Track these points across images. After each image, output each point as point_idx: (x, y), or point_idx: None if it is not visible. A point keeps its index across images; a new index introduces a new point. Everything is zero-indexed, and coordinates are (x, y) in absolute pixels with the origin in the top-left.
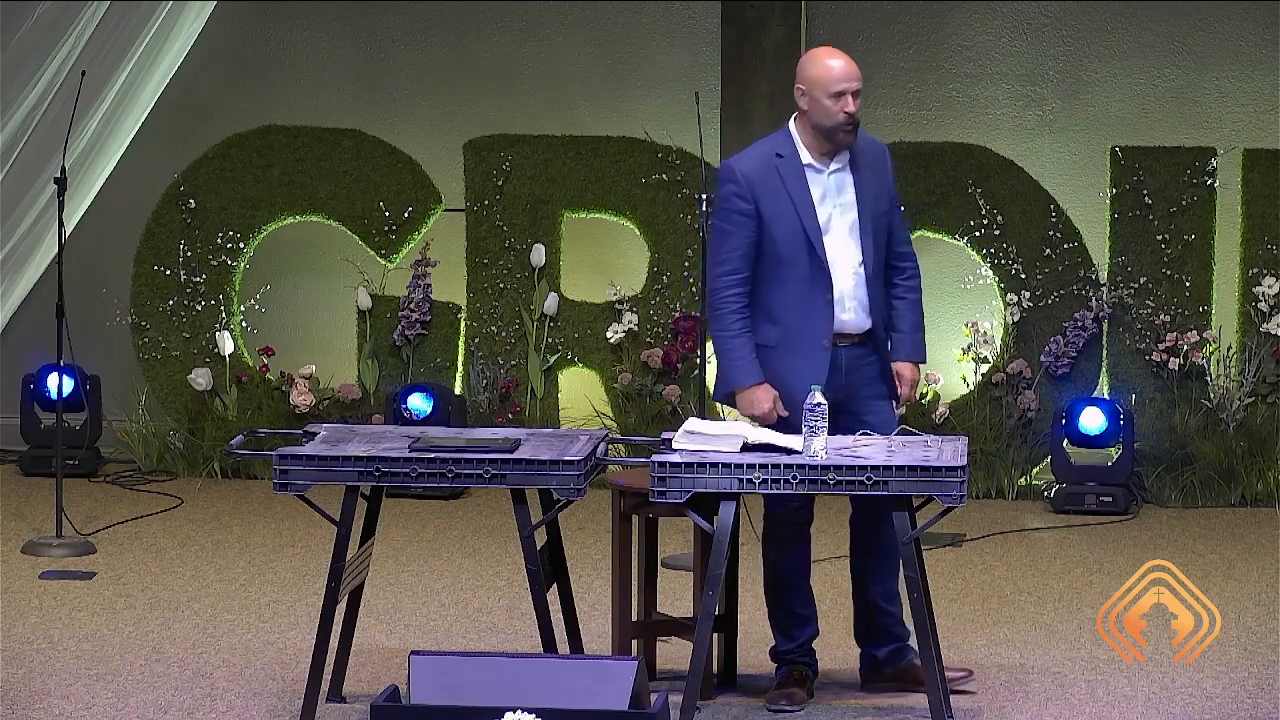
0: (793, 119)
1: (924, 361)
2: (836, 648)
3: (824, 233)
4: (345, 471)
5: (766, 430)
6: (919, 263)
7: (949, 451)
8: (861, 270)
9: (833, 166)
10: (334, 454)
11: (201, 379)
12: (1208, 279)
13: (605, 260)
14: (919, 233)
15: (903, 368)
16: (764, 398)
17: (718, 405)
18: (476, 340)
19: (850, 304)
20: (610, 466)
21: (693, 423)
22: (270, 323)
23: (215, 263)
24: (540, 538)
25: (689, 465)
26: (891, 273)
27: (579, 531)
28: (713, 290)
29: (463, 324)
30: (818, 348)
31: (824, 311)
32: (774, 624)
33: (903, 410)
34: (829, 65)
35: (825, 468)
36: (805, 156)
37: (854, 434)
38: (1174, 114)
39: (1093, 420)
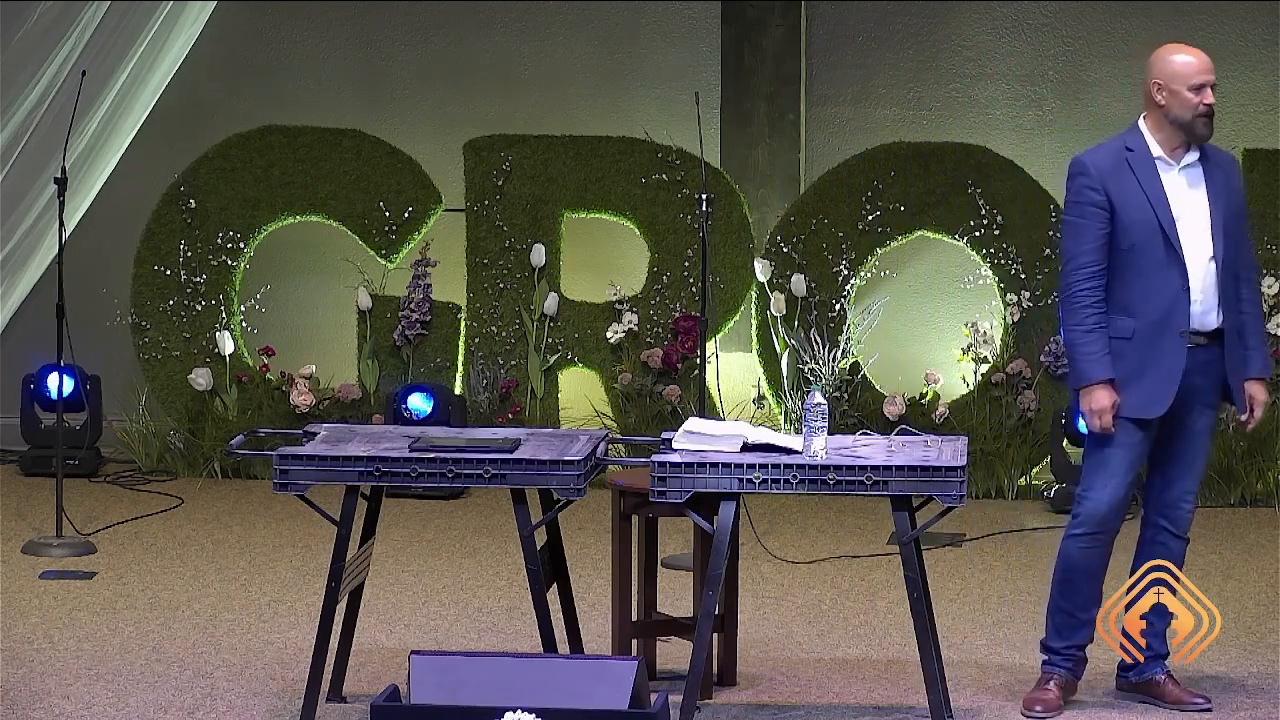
0: (1141, 118)
1: (1268, 377)
2: (836, 647)
3: (1177, 221)
4: (345, 471)
5: (766, 430)
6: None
7: (949, 451)
8: (1213, 265)
9: (1184, 162)
10: (334, 454)
11: (201, 379)
12: None
13: (605, 260)
14: (919, 233)
15: (1256, 389)
16: (1103, 396)
17: (717, 403)
18: (476, 340)
19: (1200, 295)
20: (610, 466)
21: (693, 422)
22: (270, 323)
23: (215, 263)
24: (540, 538)
25: (689, 465)
26: (1236, 283)
27: (579, 531)
28: (1066, 285)
29: (463, 324)
30: (1175, 337)
31: (1180, 299)
32: (1050, 618)
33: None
34: (1187, 60)
35: (825, 467)
36: (1156, 150)
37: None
38: None
39: None
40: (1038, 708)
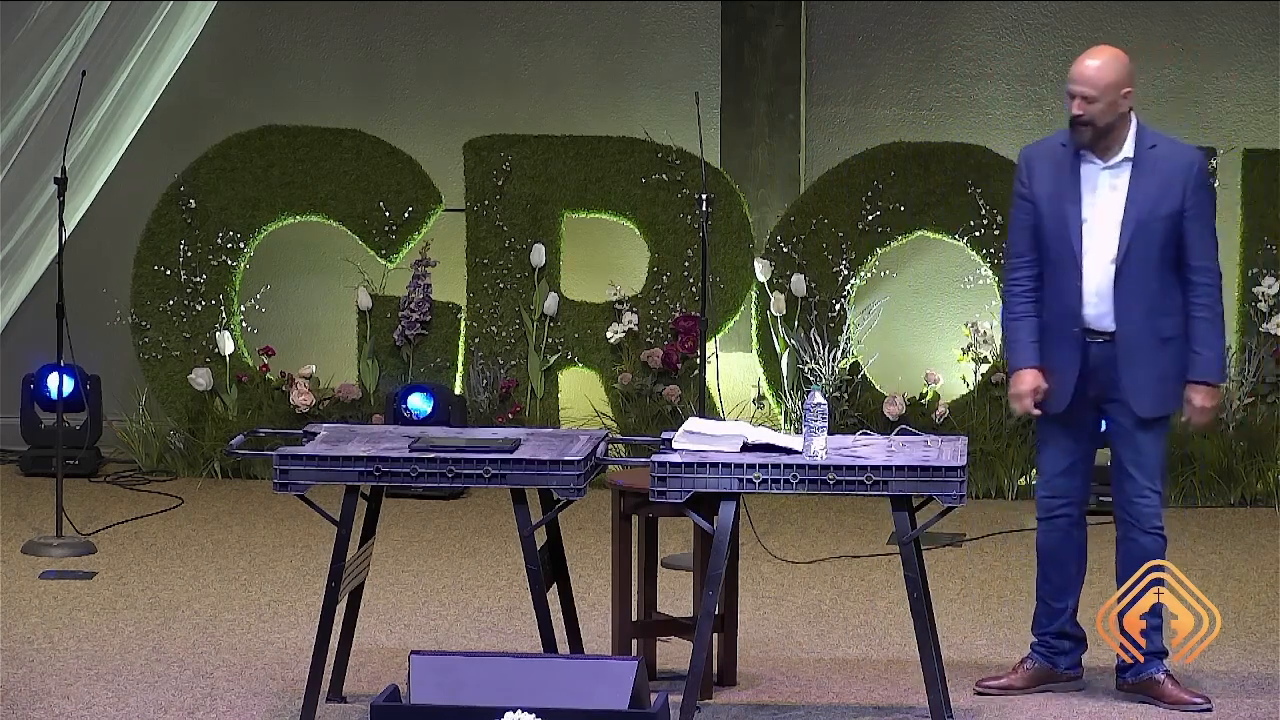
0: None
1: (1217, 381)
2: (836, 647)
3: (1084, 222)
4: (345, 471)
5: (766, 430)
6: (1214, 279)
7: (949, 451)
8: (1112, 268)
9: (1112, 161)
10: (334, 454)
11: (201, 379)
12: None
13: (605, 260)
14: (919, 233)
15: (1192, 392)
16: (1020, 382)
17: (717, 403)
18: (476, 340)
19: (1094, 299)
20: (610, 466)
21: (693, 422)
22: (270, 323)
23: (215, 263)
24: (540, 538)
25: (689, 465)
26: (1185, 287)
27: (579, 531)
28: (1004, 273)
29: (463, 324)
30: (1072, 335)
31: (1074, 298)
32: (1036, 607)
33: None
34: (1076, 63)
35: (825, 467)
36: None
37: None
38: (1174, 114)
39: None
40: (988, 683)
